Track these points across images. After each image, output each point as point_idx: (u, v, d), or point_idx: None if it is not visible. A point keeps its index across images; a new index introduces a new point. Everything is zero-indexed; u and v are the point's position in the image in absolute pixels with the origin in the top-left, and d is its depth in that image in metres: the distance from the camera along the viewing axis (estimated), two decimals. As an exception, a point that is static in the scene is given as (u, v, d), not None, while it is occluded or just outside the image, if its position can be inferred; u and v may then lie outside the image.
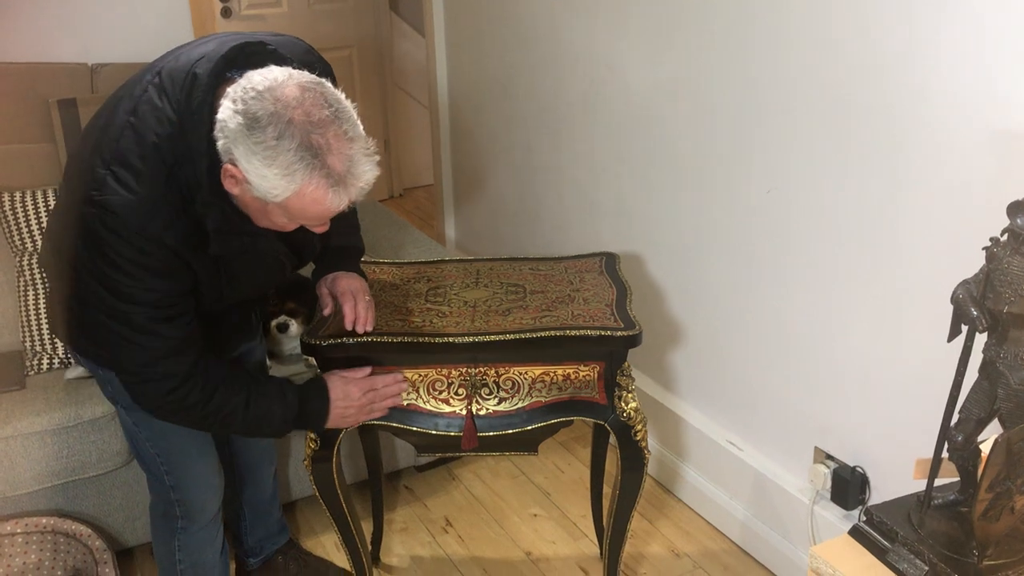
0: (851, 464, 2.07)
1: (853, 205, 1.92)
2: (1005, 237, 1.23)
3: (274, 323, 2.27)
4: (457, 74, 3.59)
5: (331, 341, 1.73)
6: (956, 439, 1.33)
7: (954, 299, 1.29)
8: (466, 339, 1.71)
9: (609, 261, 2.07)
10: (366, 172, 1.39)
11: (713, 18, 2.18)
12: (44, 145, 2.60)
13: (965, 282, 1.28)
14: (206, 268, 1.53)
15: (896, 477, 1.96)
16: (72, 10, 2.87)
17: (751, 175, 2.18)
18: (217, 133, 1.37)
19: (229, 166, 1.37)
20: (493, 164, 3.44)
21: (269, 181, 1.34)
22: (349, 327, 1.71)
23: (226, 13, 4.16)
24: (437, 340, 1.72)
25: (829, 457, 2.14)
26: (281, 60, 1.45)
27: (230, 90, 1.37)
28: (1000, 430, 1.32)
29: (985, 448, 1.28)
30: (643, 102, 2.49)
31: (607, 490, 2.23)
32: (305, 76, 1.39)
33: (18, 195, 2.39)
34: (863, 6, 1.79)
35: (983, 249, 1.25)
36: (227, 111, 1.35)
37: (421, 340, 1.72)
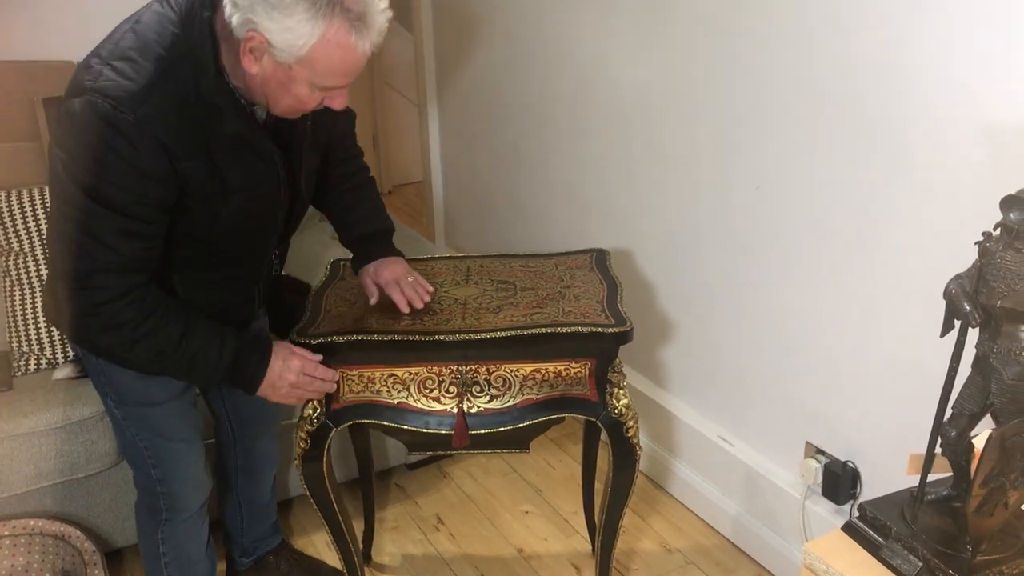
0: (842, 459, 2.07)
1: (843, 200, 1.92)
2: (998, 232, 1.23)
3: None
4: (446, 71, 3.58)
5: (321, 340, 1.72)
6: (949, 434, 1.33)
7: (947, 294, 1.29)
8: (457, 337, 1.70)
9: (600, 257, 2.06)
10: (381, 12, 1.41)
11: (698, 17, 2.18)
12: (29, 144, 2.57)
13: (958, 277, 1.28)
14: (200, 174, 1.50)
15: (887, 471, 1.96)
16: (59, 8, 2.84)
17: (738, 171, 2.17)
18: (230, 13, 1.37)
19: (251, 34, 1.37)
20: (482, 161, 3.42)
21: (293, 32, 1.35)
22: (406, 310, 1.77)
23: (212, 10, 4.12)
24: (427, 338, 1.71)
25: (820, 452, 2.14)
26: None
27: None
28: (993, 425, 1.32)
29: (978, 443, 1.28)
30: (629, 99, 2.49)
31: (599, 487, 2.22)
32: None
33: (3, 194, 2.37)
34: (849, 2, 1.79)
35: (975, 244, 1.25)
36: None
37: (411, 338, 1.71)
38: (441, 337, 1.71)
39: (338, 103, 1.50)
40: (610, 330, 1.71)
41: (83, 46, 2.79)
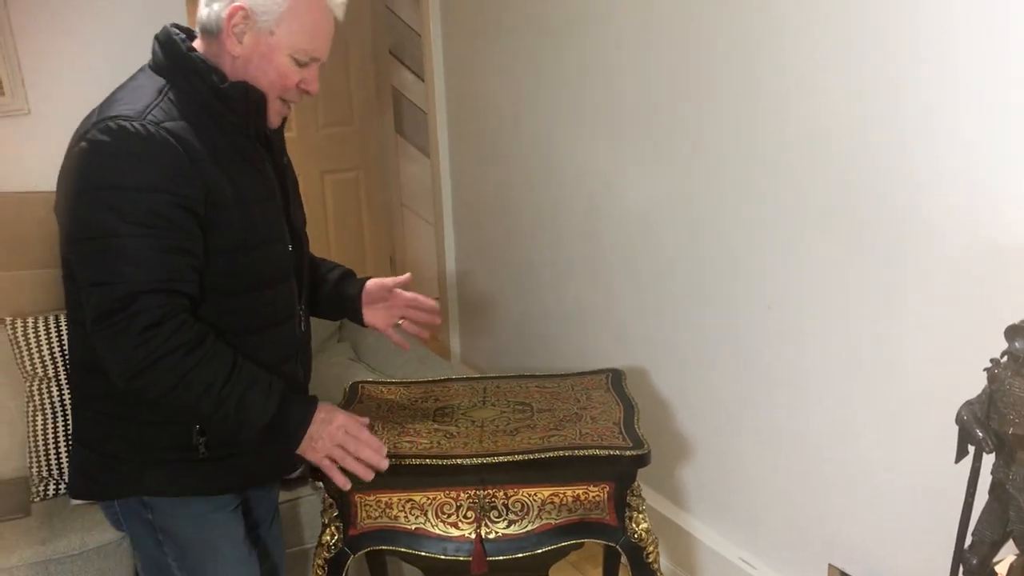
0: (867, 582, 2.04)
1: (853, 320, 1.94)
2: (1005, 359, 1.25)
3: None
4: (461, 193, 3.68)
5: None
6: (971, 562, 1.31)
7: (959, 420, 1.29)
8: (474, 460, 1.71)
9: (615, 378, 2.08)
10: None
11: (706, 137, 2.25)
12: (56, 271, 2.63)
13: (969, 403, 1.29)
14: (218, 178, 1.52)
15: (914, 595, 1.93)
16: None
17: (749, 290, 2.21)
18: (207, 10, 1.53)
19: (232, 9, 1.50)
20: (497, 279, 3.48)
21: None
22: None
23: (236, 137, 4.28)
24: (445, 462, 1.71)
25: (844, 574, 2.10)
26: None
27: None
28: (1016, 551, 1.31)
29: (1001, 569, 1.27)
30: (639, 218, 2.55)
31: (619, 612, 2.18)
32: None
33: (30, 320, 2.42)
34: (855, 122, 1.85)
35: (984, 371, 1.27)
36: None
37: (429, 463, 1.72)
38: (459, 461, 1.71)
39: (313, 85, 1.60)
40: (628, 453, 1.72)
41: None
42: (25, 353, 2.40)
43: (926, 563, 1.83)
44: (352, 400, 2.03)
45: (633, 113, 2.50)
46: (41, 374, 2.41)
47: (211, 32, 1.55)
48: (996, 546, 1.31)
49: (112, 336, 1.46)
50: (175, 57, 1.56)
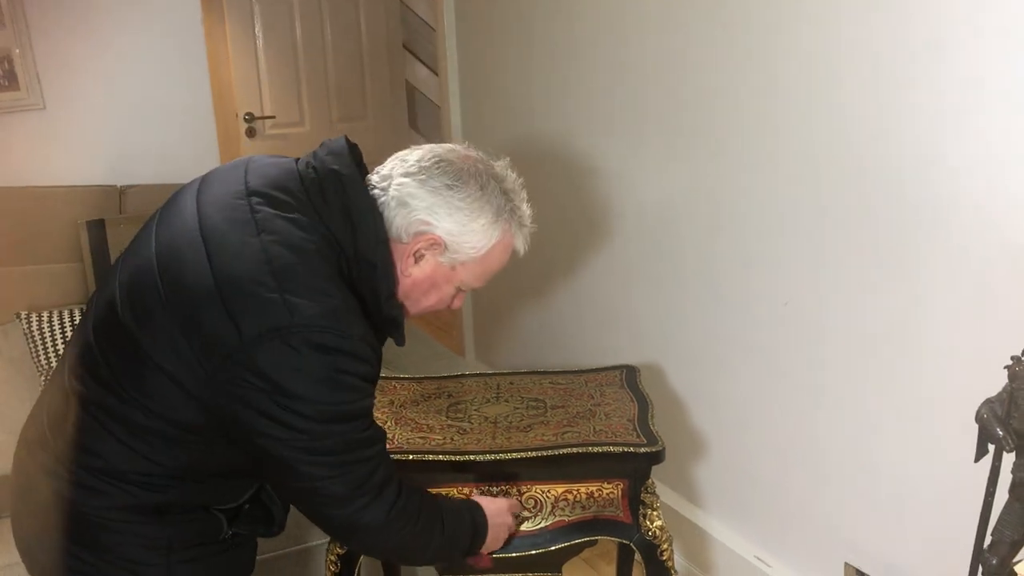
0: (884, 581, 2.02)
1: (872, 316, 1.93)
2: (1026, 356, 1.24)
3: None
4: (475, 188, 3.67)
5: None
6: (991, 563, 1.30)
7: (978, 418, 1.28)
8: (487, 457, 1.71)
9: (629, 374, 2.07)
10: (529, 213, 1.43)
11: (724, 134, 2.24)
12: (71, 265, 2.66)
13: (989, 401, 1.28)
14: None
15: (931, 594, 1.91)
16: (103, 134, 2.97)
17: (765, 287, 2.19)
18: (393, 213, 1.33)
19: (427, 236, 1.33)
20: (511, 275, 3.47)
21: (475, 236, 1.34)
22: None
23: (251, 133, 4.30)
24: (459, 458, 1.71)
25: (861, 573, 2.08)
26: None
27: (390, 170, 1.36)
28: (1036, 551, 1.30)
29: (1021, 570, 1.25)
30: (656, 214, 2.54)
31: (633, 610, 2.17)
32: (457, 145, 1.41)
33: (45, 315, 2.43)
34: (877, 119, 1.84)
35: (1005, 368, 1.25)
36: (408, 186, 1.33)
37: (442, 458, 1.71)
38: (472, 457, 1.71)
39: (459, 303, 1.47)
40: (642, 450, 1.71)
41: (124, 170, 2.92)
42: (40, 347, 2.42)
43: (945, 562, 1.81)
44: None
45: (651, 110, 2.48)
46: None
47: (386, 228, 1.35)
48: (1016, 546, 1.30)
49: (359, 515, 1.36)
50: (364, 234, 1.32)
